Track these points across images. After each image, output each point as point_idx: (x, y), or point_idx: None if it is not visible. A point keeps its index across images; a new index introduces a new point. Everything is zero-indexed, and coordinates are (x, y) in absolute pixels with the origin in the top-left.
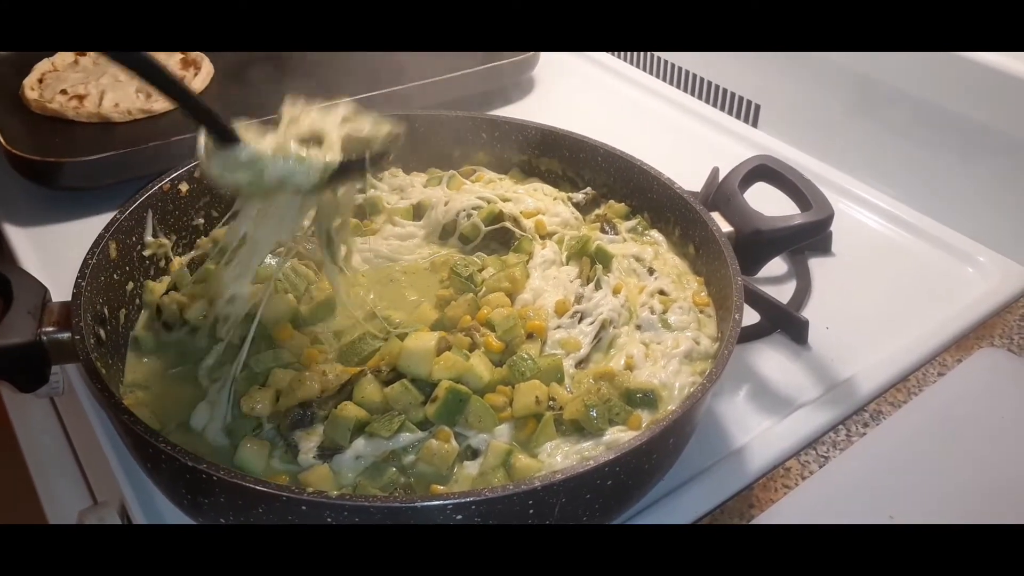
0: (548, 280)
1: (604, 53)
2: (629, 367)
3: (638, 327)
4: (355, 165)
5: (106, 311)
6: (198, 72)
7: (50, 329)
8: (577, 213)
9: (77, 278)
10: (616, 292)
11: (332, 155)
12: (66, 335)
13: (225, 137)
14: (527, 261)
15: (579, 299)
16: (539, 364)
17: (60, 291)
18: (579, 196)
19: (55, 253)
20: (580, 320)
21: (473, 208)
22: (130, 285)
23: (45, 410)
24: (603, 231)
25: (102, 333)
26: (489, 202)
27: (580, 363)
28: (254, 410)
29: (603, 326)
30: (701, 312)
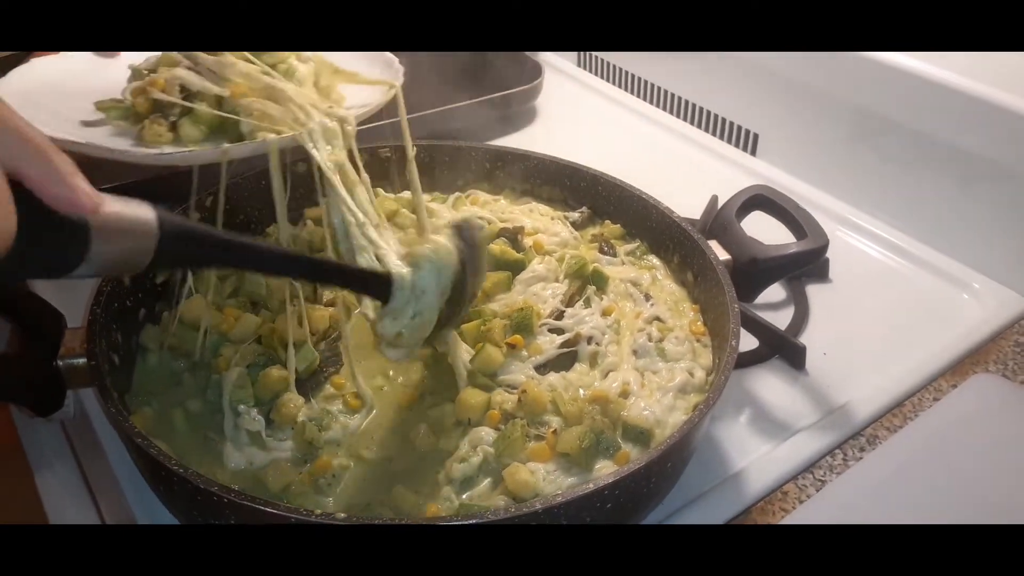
0: (528, 295)
1: (606, 83)
2: (624, 394)
3: (634, 352)
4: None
5: (119, 337)
6: None
7: (67, 356)
8: (575, 232)
9: (92, 305)
10: (607, 314)
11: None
12: (82, 361)
13: (382, 290)
14: (516, 274)
15: (559, 316)
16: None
17: (74, 317)
18: (575, 215)
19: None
20: (558, 335)
21: None
22: (142, 312)
23: (55, 434)
24: (602, 251)
25: (115, 359)
26: (489, 222)
27: (541, 367)
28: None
29: (580, 339)
30: (697, 341)
